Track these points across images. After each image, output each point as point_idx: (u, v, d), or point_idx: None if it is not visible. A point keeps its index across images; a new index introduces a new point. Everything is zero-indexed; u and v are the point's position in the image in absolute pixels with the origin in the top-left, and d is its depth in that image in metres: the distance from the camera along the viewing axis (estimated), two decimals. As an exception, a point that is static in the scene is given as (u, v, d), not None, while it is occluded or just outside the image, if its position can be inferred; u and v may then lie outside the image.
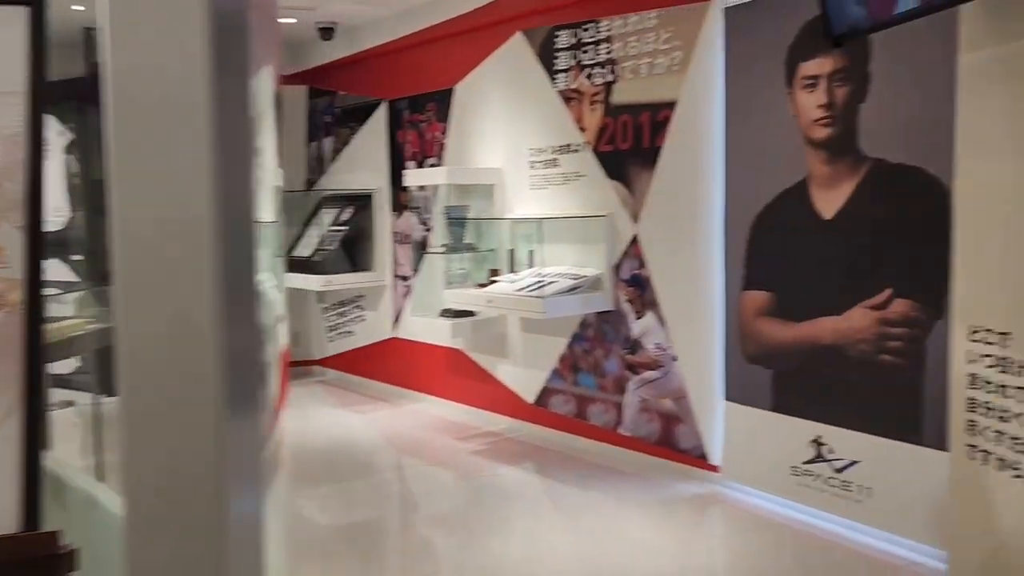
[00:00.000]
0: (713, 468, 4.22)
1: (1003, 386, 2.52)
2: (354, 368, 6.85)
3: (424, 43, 5.84)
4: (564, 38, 4.85)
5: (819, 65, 3.61)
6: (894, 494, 3.42)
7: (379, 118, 6.38)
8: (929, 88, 3.19)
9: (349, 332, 6.86)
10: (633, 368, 4.59)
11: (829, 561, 3.40)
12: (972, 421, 2.66)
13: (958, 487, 2.76)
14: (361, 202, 6.52)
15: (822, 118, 3.61)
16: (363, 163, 6.56)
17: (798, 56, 3.70)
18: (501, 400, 5.44)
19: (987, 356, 2.58)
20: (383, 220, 6.41)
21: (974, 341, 2.63)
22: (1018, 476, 2.48)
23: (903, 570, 3.27)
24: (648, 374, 4.51)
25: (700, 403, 4.26)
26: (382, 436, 5.46)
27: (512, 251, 5.17)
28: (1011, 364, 2.49)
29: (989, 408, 2.58)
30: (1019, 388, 2.46)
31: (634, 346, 4.57)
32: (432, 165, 5.84)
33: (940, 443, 3.08)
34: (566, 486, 4.36)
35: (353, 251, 6.45)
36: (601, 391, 4.78)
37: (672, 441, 4.41)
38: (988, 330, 2.57)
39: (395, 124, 6.23)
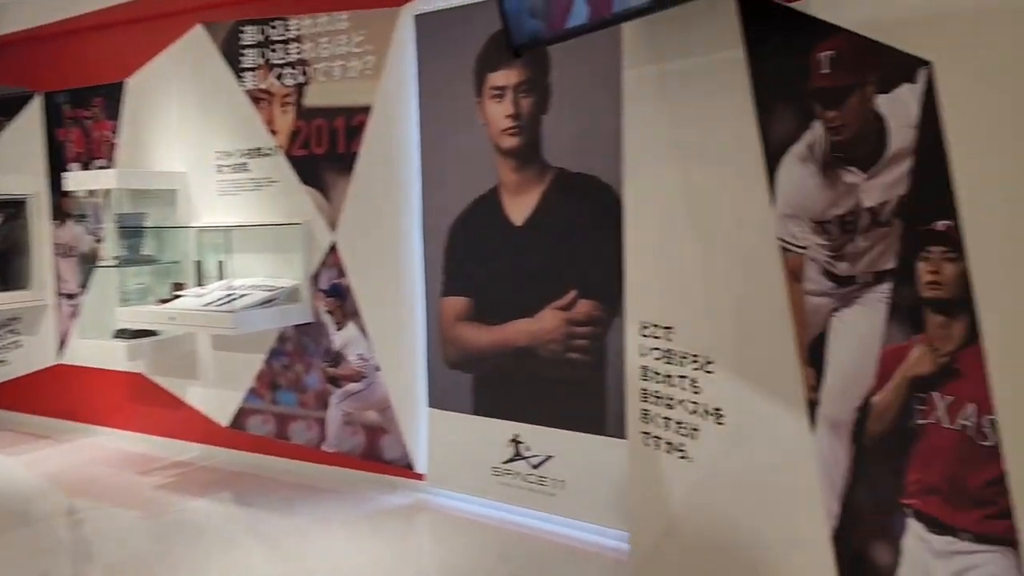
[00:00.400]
0: (419, 477, 4.19)
1: (669, 376, 2.76)
2: (9, 403, 5.87)
3: (87, 29, 5.17)
4: (250, 34, 4.55)
5: (505, 76, 3.74)
6: (584, 484, 3.62)
7: (33, 113, 5.53)
8: (600, 101, 3.43)
9: (2, 361, 5.87)
10: (335, 381, 4.42)
11: (530, 555, 3.51)
12: (645, 410, 2.88)
13: (635, 472, 2.98)
14: (11, 209, 5.59)
15: (509, 128, 3.74)
16: (13, 164, 5.63)
17: (486, 66, 3.80)
18: (191, 425, 4.97)
19: (655, 349, 2.81)
20: (41, 230, 5.57)
21: (644, 336, 2.85)
22: (683, 457, 2.72)
23: (594, 555, 3.47)
24: (351, 386, 4.37)
25: (404, 412, 4.22)
26: (47, 478, 4.72)
27: (199, 262, 4.74)
28: (675, 355, 2.73)
29: (658, 397, 2.81)
30: (681, 377, 2.71)
31: (336, 358, 4.41)
32: (101, 167, 5.18)
33: (622, 432, 3.31)
34: (267, 512, 4.07)
35: (3, 266, 5.51)
36: (302, 407, 4.55)
37: (377, 453, 4.32)
38: (655, 325, 2.80)
39: (54, 120, 5.45)
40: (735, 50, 2.44)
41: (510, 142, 3.75)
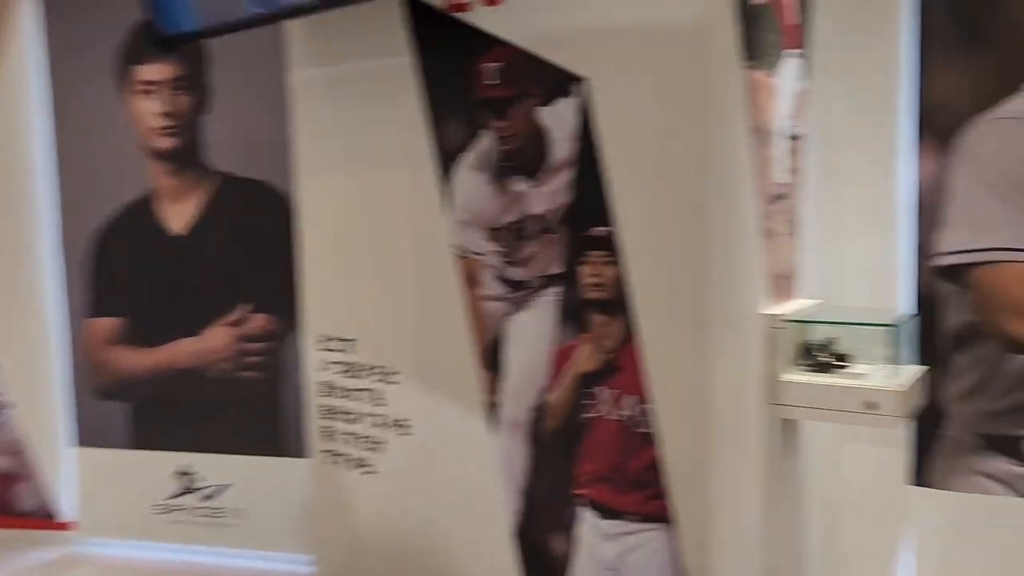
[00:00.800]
0: (66, 526, 3.64)
1: (351, 390, 2.67)
2: None
3: None
4: None
5: (157, 71, 3.37)
6: (265, 511, 3.40)
7: None
8: (268, 102, 3.22)
9: None
10: (-52, 426, 3.67)
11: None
12: (327, 427, 2.76)
13: (319, 492, 2.85)
14: None
15: (163, 128, 3.39)
16: None
17: (132, 58, 3.40)
18: None
19: (336, 363, 2.70)
20: None
21: (324, 350, 2.73)
22: (369, 472, 2.65)
23: (279, 585, 3.27)
24: (-30, 430, 3.67)
25: (44, 454, 3.63)
26: None
27: None
28: (357, 368, 2.65)
29: (341, 412, 2.71)
30: (365, 389, 2.63)
31: (-53, 398, 3.66)
32: None
33: (304, 452, 3.14)
34: None
35: None
36: (-98, 462, 3.72)
37: (10, 505, 3.67)
38: (336, 338, 2.70)
39: None
40: (404, 56, 2.42)
41: (165, 144, 3.40)
